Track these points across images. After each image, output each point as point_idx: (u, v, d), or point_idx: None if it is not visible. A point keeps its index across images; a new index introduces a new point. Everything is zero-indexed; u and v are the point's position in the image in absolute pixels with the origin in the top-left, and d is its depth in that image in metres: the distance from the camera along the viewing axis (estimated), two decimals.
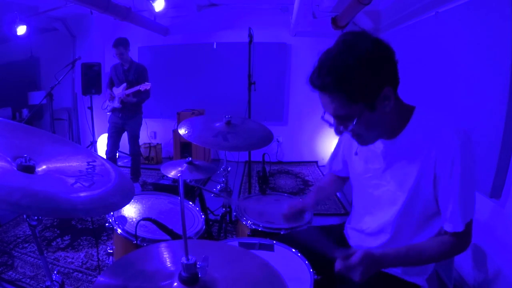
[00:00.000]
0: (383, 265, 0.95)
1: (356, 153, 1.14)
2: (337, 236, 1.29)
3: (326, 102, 0.92)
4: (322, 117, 0.99)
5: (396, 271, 1.09)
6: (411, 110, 1.00)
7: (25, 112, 5.10)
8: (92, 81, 4.45)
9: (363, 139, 0.99)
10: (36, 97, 5.09)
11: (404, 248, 0.97)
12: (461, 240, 0.96)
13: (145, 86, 3.44)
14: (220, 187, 2.16)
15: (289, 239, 1.27)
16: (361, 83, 0.85)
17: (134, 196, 1.38)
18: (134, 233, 1.28)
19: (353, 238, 1.22)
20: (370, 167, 1.10)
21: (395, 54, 0.90)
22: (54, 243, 2.60)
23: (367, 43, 0.86)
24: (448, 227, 0.95)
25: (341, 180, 1.41)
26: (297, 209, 1.31)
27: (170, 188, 2.56)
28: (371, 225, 1.12)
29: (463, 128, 0.93)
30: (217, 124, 1.92)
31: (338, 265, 0.92)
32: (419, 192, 0.98)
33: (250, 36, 3.06)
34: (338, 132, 0.97)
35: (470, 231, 0.96)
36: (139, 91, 3.46)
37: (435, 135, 0.94)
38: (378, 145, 1.05)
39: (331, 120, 0.98)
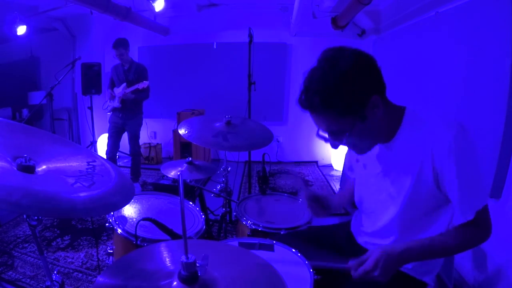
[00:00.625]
0: (406, 261, 0.94)
1: (357, 160, 1.16)
2: (344, 234, 1.30)
3: (317, 121, 0.96)
4: (317, 134, 1.01)
5: (406, 267, 1.10)
6: (402, 111, 1.01)
7: (25, 112, 5.10)
8: (92, 81, 4.45)
9: (360, 148, 1.02)
10: (36, 97, 5.09)
11: (428, 240, 0.96)
12: (478, 228, 0.95)
13: (143, 84, 3.45)
14: (220, 187, 2.16)
15: (289, 239, 1.27)
16: (347, 99, 0.88)
17: (134, 196, 1.38)
18: (134, 233, 1.28)
19: (360, 236, 1.23)
20: (369, 172, 1.12)
21: (377, 62, 0.92)
22: (54, 243, 2.60)
23: (346, 58, 0.88)
24: (457, 220, 0.94)
25: None
26: (317, 196, 1.27)
27: (170, 188, 2.56)
28: (375, 227, 1.14)
29: (456, 120, 0.93)
30: (217, 124, 1.92)
31: (354, 275, 0.92)
32: (420, 188, 0.98)
33: (250, 36, 3.06)
34: (334, 146, 1.00)
35: (486, 217, 0.95)
36: (137, 89, 3.47)
37: (429, 131, 0.95)
38: (377, 150, 1.07)
39: (326, 135, 1.00)
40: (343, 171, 1.44)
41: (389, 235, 1.09)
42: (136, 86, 3.46)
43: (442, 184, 0.95)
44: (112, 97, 3.62)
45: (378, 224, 1.12)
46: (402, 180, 1.01)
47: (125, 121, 3.65)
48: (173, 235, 1.24)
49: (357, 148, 1.02)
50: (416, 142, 0.96)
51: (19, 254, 2.42)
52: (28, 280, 2.12)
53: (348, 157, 1.35)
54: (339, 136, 0.96)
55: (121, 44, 3.44)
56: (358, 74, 0.88)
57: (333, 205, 1.31)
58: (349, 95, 0.88)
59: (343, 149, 1.36)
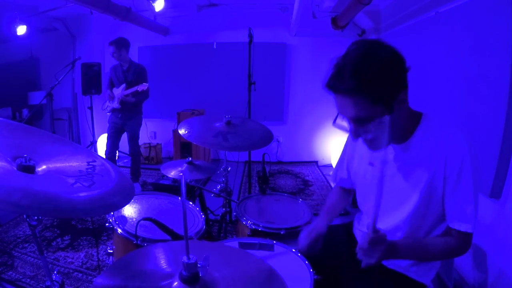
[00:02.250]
0: (392, 252, 0.95)
1: (370, 163, 1.15)
2: (345, 235, 1.30)
3: (346, 105, 0.93)
4: (334, 123, 1.00)
5: (405, 268, 1.10)
6: (419, 115, 1.03)
7: (25, 112, 5.10)
8: (92, 81, 4.45)
9: (377, 143, 0.99)
10: (36, 97, 5.08)
11: (411, 240, 1.00)
12: (465, 241, 0.99)
13: (143, 86, 3.44)
14: (220, 187, 2.16)
15: (289, 239, 1.27)
16: (383, 86, 0.88)
17: (134, 196, 1.38)
18: (134, 233, 1.27)
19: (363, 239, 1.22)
20: (378, 173, 1.10)
21: (406, 62, 0.93)
22: (54, 243, 2.60)
23: (386, 49, 0.90)
24: (462, 227, 0.96)
25: (347, 194, 1.40)
26: (314, 238, 1.22)
27: (170, 188, 2.56)
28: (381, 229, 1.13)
29: (467, 132, 0.96)
30: (217, 124, 1.92)
31: (368, 236, 0.90)
32: (431, 195, 1.00)
33: (250, 36, 3.06)
34: (356, 136, 0.98)
35: (472, 237, 0.99)
36: (137, 91, 3.46)
37: (444, 139, 0.97)
38: (390, 152, 1.07)
39: (346, 125, 0.98)
40: (334, 172, 1.41)
41: (393, 238, 1.09)
42: (135, 88, 3.45)
43: (445, 191, 0.97)
44: (111, 98, 3.61)
45: (385, 226, 1.11)
46: (415, 182, 1.01)
47: (125, 121, 3.64)
48: (174, 235, 1.24)
49: (374, 143, 1.00)
50: (431, 147, 0.98)
51: (19, 254, 2.42)
52: (28, 280, 2.12)
53: (344, 158, 1.34)
54: (365, 125, 0.94)
55: (115, 43, 3.44)
56: (395, 65, 0.90)
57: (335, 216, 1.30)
58: (385, 83, 0.88)
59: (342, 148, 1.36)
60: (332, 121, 1.00)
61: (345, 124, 0.99)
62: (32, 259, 2.36)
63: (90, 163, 0.97)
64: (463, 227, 0.96)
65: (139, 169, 3.82)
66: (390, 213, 1.10)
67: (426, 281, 1.10)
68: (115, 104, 3.57)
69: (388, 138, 0.99)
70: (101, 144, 4.79)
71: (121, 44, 3.47)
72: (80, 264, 2.32)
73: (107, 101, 3.67)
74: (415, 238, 1.02)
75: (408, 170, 1.03)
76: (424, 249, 0.99)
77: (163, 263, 0.79)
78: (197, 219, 1.53)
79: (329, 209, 1.33)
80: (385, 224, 1.12)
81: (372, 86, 0.87)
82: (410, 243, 0.99)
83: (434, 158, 0.97)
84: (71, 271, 2.23)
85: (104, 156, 3.45)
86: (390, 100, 0.91)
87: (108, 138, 3.70)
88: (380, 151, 1.07)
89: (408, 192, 1.03)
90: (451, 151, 0.94)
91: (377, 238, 0.90)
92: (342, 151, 1.34)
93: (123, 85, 3.54)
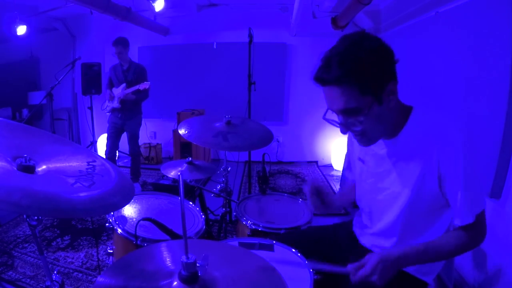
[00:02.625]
0: (402, 265, 0.96)
1: (359, 159, 1.15)
2: (345, 234, 1.30)
3: (335, 96, 0.92)
4: (324, 117, 0.99)
5: (407, 268, 1.10)
6: (409, 109, 1.02)
7: (25, 112, 5.10)
8: (92, 81, 4.45)
9: (367, 138, 0.99)
10: (36, 97, 5.08)
11: (422, 246, 0.97)
12: (475, 232, 0.97)
13: (144, 85, 3.44)
14: (220, 187, 2.16)
15: (289, 239, 1.27)
16: (371, 75, 0.88)
17: (134, 196, 1.38)
18: (134, 233, 1.28)
19: (362, 237, 1.22)
20: (372, 171, 1.11)
21: (395, 55, 0.93)
22: (54, 243, 2.60)
23: (372, 40, 0.90)
24: (458, 222, 0.96)
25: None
26: (320, 187, 1.28)
27: (170, 188, 2.56)
28: (377, 227, 1.13)
29: (463, 125, 0.95)
30: (217, 124, 1.92)
31: (353, 279, 0.93)
32: (423, 190, 0.99)
33: (250, 36, 3.06)
34: (345, 128, 0.97)
35: (483, 221, 0.97)
36: (138, 90, 3.46)
37: (436, 133, 0.95)
38: (381, 148, 1.06)
39: (335, 118, 0.97)
40: (342, 171, 1.44)
41: (390, 235, 1.09)
42: (137, 87, 3.45)
43: (444, 186, 0.96)
44: (111, 98, 3.61)
45: (380, 224, 1.12)
46: (407, 178, 1.00)
47: (124, 121, 3.65)
48: (173, 235, 1.24)
49: (364, 138, 0.99)
50: (422, 141, 0.97)
51: (19, 254, 2.42)
52: (28, 280, 2.12)
53: (347, 156, 1.35)
54: (354, 117, 0.93)
55: (120, 42, 3.44)
56: (382, 55, 0.90)
57: (333, 205, 1.30)
58: (372, 72, 0.88)
59: (343, 149, 1.37)
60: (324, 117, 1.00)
61: (335, 117, 0.98)
62: (32, 259, 2.36)
63: (90, 163, 0.97)
64: (459, 222, 0.96)
65: (139, 169, 3.82)
66: (382, 214, 1.10)
67: (428, 279, 1.10)
68: (115, 104, 3.56)
69: (379, 133, 0.99)
70: (101, 144, 4.79)
71: (125, 44, 3.48)
72: (80, 264, 2.32)
73: (107, 101, 3.66)
74: (424, 243, 0.99)
75: (399, 168, 1.03)
76: (437, 250, 0.97)
77: (163, 263, 0.79)
78: (197, 219, 1.53)
79: (341, 194, 1.38)
80: (379, 223, 1.12)
81: (359, 75, 0.87)
82: (422, 250, 0.97)
83: (426, 154, 0.96)
84: (71, 271, 2.23)
85: (104, 156, 3.45)
86: (379, 91, 0.90)
87: (108, 138, 3.70)
88: (370, 147, 1.07)
89: (399, 191, 1.03)
90: (444, 147, 0.93)
91: (363, 277, 0.91)
92: (346, 152, 1.35)
93: (123, 85, 3.54)
